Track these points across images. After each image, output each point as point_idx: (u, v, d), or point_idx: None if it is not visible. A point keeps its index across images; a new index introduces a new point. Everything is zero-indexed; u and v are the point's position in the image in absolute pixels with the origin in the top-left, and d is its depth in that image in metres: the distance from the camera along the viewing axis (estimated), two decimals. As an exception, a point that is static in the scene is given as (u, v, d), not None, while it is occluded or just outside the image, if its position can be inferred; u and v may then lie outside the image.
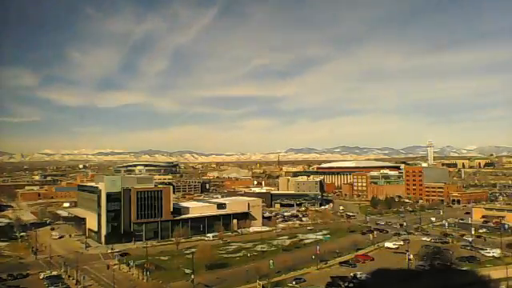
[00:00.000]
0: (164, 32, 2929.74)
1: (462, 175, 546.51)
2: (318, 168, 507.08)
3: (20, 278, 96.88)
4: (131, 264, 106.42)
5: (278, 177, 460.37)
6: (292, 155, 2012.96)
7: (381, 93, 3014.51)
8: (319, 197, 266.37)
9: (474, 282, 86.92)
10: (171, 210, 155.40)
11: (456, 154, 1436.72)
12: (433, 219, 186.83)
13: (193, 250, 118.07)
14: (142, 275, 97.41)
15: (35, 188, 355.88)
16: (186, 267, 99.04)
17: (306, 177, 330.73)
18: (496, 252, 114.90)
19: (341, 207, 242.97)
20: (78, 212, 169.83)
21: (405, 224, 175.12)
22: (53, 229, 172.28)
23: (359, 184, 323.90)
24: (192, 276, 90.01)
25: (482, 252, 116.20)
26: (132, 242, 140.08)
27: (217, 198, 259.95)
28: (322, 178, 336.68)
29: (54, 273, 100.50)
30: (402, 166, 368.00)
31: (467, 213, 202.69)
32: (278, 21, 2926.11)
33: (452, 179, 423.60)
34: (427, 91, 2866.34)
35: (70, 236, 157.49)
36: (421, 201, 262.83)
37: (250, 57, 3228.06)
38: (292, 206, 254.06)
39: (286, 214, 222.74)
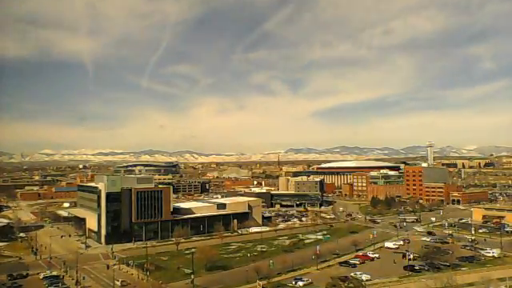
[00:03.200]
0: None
1: (462, 175, 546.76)
2: (317, 168, 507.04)
3: (20, 278, 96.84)
4: (131, 264, 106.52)
5: (277, 177, 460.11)
6: (292, 155, 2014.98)
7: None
8: (319, 197, 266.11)
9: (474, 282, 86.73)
10: (171, 210, 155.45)
11: (456, 154, 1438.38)
12: (433, 219, 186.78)
13: (193, 250, 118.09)
14: (142, 275, 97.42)
15: (35, 188, 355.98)
16: (186, 267, 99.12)
17: (305, 177, 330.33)
18: (496, 252, 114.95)
19: (341, 208, 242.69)
20: (78, 212, 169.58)
21: (405, 224, 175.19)
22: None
23: (359, 184, 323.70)
24: (192, 276, 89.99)
25: (482, 252, 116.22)
26: (132, 242, 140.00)
27: (217, 198, 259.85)
28: (322, 178, 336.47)
29: (54, 273, 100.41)
30: (402, 166, 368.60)
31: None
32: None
33: (452, 179, 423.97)
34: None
35: (70, 236, 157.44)
36: (421, 201, 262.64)
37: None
38: (292, 206, 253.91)
39: (286, 213, 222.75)
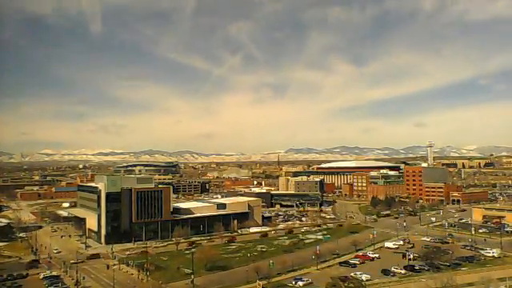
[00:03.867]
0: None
1: (462, 175, 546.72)
2: (317, 168, 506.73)
3: (20, 278, 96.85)
4: (131, 264, 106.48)
5: (277, 177, 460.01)
6: (292, 155, 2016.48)
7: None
8: (319, 197, 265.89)
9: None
10: (171, 210, 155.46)
11: (456, 154, 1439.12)
12: (433, 219, 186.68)
13: (193, 250, 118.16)
14: (142, 275, 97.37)
15: (35, 188, 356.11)
16: (186, 267, 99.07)
17: (305, 177, 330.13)
18: (496, 252, 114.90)
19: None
20: (78, 212, 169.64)
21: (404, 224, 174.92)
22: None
23: (359, 184, 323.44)
24: (192, 276, 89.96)
25: (482, 252, 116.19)
26: (132, 242, 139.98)
27: (217, 198, 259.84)
28: (321, 178, 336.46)
29: (54, 273, 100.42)
30: (402, 165, 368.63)
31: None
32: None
33: (452, 179, 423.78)
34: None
35: (70, 236, 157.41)
36: (421, 201, 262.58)
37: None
38: (292, 206, 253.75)
39: (286, 213, 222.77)
